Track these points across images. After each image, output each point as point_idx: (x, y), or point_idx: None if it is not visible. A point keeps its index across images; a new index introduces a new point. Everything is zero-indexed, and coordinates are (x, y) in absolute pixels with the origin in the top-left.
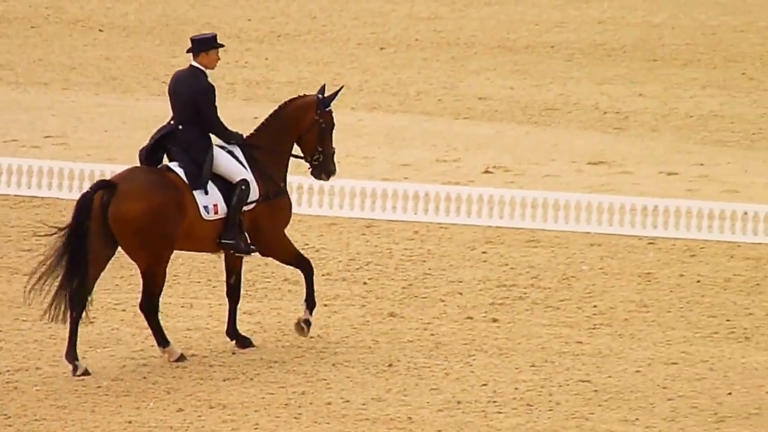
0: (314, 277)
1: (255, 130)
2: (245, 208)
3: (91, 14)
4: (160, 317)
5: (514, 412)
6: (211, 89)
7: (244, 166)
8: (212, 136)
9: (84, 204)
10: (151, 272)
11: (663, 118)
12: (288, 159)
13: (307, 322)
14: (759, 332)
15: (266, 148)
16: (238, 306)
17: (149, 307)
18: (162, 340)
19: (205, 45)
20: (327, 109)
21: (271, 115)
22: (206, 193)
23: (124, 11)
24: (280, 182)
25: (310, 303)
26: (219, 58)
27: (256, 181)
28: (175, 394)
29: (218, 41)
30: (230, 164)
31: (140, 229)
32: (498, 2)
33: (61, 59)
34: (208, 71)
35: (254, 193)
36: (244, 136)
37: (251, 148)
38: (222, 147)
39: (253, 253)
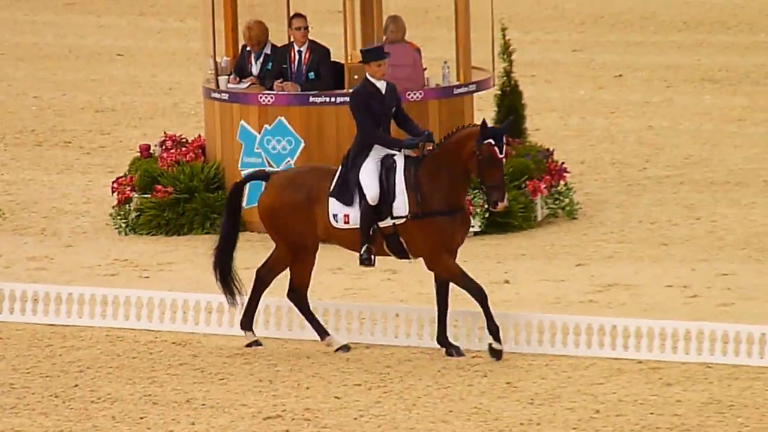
0: (488, 302)
1: (431, 148)
2: (386, 223)
3: None
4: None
5: None
6: (354, 94)
7: (391, 180)
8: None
9: (235, 192)
10: (292, 264)
11: None
12: (458, 183)
13: (493, 350)
14: None
15: (433, 167)
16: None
17: (295, 298)
18: (321, 332)
19: (366, 56)
20: (486, 142)
21: (444, 138)
22: (348, 202)
23: None
24: (441, 204)
25: (491, 328)
26: (378, 70)
27: (409, 197)
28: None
29: (382, 56)
30: (365, 177)
31: (265, 223)
32: None
33: None
34: (373, 79)
35: (401, 209)
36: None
37: (419, 164)
38: (386, 157)
39: (369, 266)
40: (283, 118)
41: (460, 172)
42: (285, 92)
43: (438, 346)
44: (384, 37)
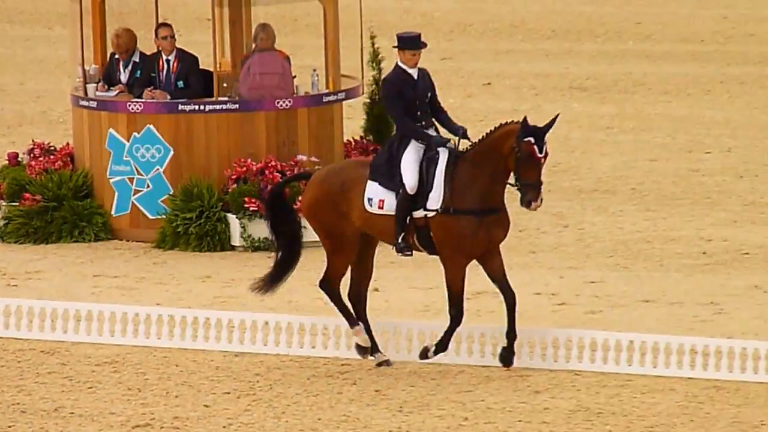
0: (455, 330)
1: (471, 145)
2: (419, 214)
3: None
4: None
5: None
6: (385, 81)
7: (431, 172)
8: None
9: (272, 195)
10: (327, 255)
11: None
12: (497, 182)
13: (426, 352)
14: None
15: (472, 164)
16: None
17: (325, 287)
18: (351, 322)
19: (401, 43)
20: (526, 140)
21: (485, 135)
22: (387, 186)
23: None
24: (473, 202)
25: (442, 345)
26: (412, 59)
27: (444, 192)
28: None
29: (417, 45)
30: (406, 166)
31: (309, 220)
32: None
33: None
34: (404, 66)
35: (434, 202)
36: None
37: (460, 159)
38: (431, 147)
39: (408, 255)
40: (151, 126)
41: (500, 170)
42: (154, 100)
43: (309, 354)
44: (253, 45)
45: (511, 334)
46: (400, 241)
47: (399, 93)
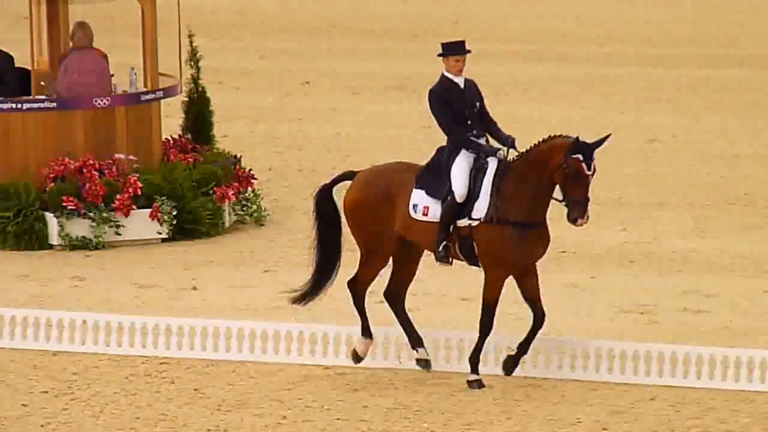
0: (485, 343)
1: (518, 155)
2: (463, 223)
3: None
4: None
5: None
6: (431, 93)
7: (479, 180)
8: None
9: (321, 195)
10: (362, 257)
11: None
12: (541, 196)
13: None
14: None
15: (518, 175)
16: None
17: (352, 288)
18: (365, 331)
19: (445, 50)
20: (574, 156)
21: (533, 145)
22: (434, 194)
23: None
24: (517, 214)
25: (472, 360)
26: (456, 65)
27: (490, 201)
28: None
29: (460, 50)
30: (456, 174)
31: (348, 219)
32: None
33: None
34: (450, 75)
35: (479, 211)
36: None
37: (508, 168)
38: (481, 157)
39: (446, 265)
40: None
41: (545, 184)
42: None
43: (127, 353)
44: (71, 44)
45: (524, 347)
46: (441, 249)
47: (446, 103)
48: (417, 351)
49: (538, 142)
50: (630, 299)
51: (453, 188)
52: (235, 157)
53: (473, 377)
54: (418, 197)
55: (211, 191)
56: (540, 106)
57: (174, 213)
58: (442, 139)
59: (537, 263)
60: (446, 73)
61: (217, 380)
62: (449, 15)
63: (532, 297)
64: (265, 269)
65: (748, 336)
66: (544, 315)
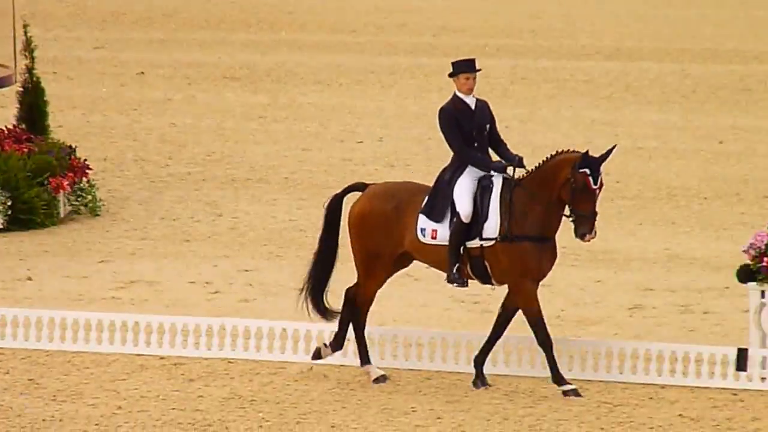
0: (552, 351)
1: (527, 172)
2: (474, 244)
3: None
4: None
5: None
6: (441, 112)
7: (486, 200)
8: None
9: (332, 204)
10: (359, 278)
11: None
12: (552, 211)
13: (566, 392)
14: None
15: (527, 192)
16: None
17: (353, 313)
18: (363, 359)
19: (454, 68)
20: (581, 170)
21: (542, 161)
22: (438, 218)
23: None
24: (532, 229)
25: (555, 377)
26: (466, 83)
27: (501, 220)
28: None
29: (470, 68)
30: (460, 195)
31: (352, 230)
32: None
33: None
34: (461, 94)
35: (491, 231)
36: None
37: (517, 186)
38: (484, 177)
39: (461, 287)
40: None
41: (554, 200)
42: None
43: None
44: None
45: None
46: (454, 271)
47: (456, 123)
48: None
49: (547, 157)
50: (464, 290)
51: (458, 209)
52: (70, 147)
53: (567, 387)
54: (424, 221)
55: (45, 182)
56: (374, 96)
57: (9, 203)
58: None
59: None
60: (458, 93)
61: (53, 370)
62: (285, 5)
63: (509, 306)
64: (100, 260)
65: (580, 325)
66: (509, 320)
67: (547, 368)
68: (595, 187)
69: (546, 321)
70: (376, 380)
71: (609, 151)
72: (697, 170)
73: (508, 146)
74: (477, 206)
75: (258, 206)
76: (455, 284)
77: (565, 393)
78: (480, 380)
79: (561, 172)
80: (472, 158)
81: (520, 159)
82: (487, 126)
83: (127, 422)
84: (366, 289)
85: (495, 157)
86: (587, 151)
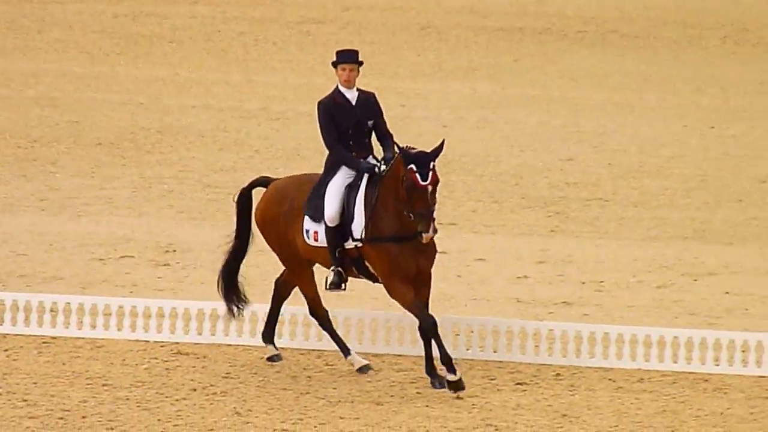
0: (438, 334)
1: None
2: (349, 245)
3: None
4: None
5: None
6: (318, 104)
7: (352, 200)
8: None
9: (240, 198)
10: (293, 280)
11: None
12: (401, 208)
13: (451, 383)
14: None
15: (384, 191)
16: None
17: (313, 315)
18: (343, 349)
19: (335, 59)
20: (409, 167)
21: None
22: (317, 219)
23: None
24: (390, 229)
25: (444, 359)
26: (343, 75)
27: (365, 221)
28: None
29: (347, 58)
30: (329, 196)
31: (258, 226)
32: None
33: None
34: (342, 87)
35: (357, 232)
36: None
37: (377, 186)
38: (357, 176)
39: (338, 291)
40: None
41: (401, 199)
42: None
43: None
44: None
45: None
46: (332, 275)
47: (331, 119)
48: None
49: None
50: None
51: (324, 211)
52: None
53: (452, 377)
54: (309, 223)
55: None
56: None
57: None
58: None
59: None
60: (339, 86)
61: None
62: None
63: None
64: None
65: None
66: (431, 317)
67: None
68: (423, 183)
69: (424, 309)
70: (361, 370)
71: (440, 147)
72: None
73: (396, 139)
74: (344, 206)
75: None
76: (329, 289)
77: (450, 383)
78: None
79: (399, 170)
80: (342, 157)
81: (390, 157)
82: (370, 121)
83: None
84: (307, 293)
85: (381, 154)
86: (406, 147)
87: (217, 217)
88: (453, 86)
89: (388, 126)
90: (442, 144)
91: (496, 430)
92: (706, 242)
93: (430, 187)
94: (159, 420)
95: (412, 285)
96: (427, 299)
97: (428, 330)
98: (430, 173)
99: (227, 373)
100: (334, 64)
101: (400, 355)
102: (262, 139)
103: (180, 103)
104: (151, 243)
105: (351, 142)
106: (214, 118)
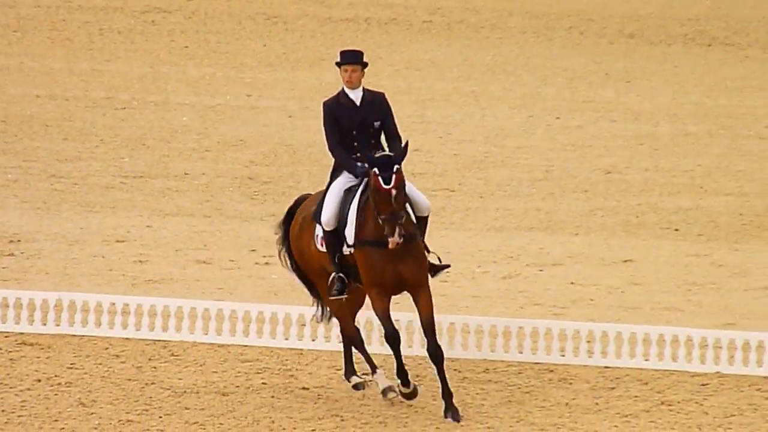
0: (399, 348)
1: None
2: (345, 251)
3: None
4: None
5: None
6: (323, 105)
7: (348, 206)
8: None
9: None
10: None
11: None
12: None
13: (404, 394)
14: None
15: (369, 198)
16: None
17: (342, 333)
18: (348, 369)
19: (339, 59)
20: (373, 171)
21: None
22: (319, 221)
23: None
24: (371, 234)
25: (400, 373)
26: (345, 75)
27: (356, 227)
28: None
29: (349, 59)
30: (327, 201)
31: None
32: None
33: None
34: (346, 88)
35: (349, 238)
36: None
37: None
38: (360, 181)
39: (338, 297)
40: None
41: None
42: None
43: None
44: None
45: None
46: (333, 282)
47: (334, 121)
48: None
49: None
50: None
51: (321, 216)
52: None
53: (405, 389)
54: (318, 228)
55: None
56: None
57: None
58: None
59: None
60: (344, 87)
61: None
62: None
63: (421, 318)
64: None
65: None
66: (435, 344)
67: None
68: (387, 187)
69: (390, 320)
70: (384, 392)
71: (404, 150)
72: None
73: (405, 141)
74: (341, 211)
75: None
76: (331, 296)
77: (404, 394)
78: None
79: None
80: (341, 160)
81: (387, 159)
82: (376, 122)
83: None
84: (336, 314)
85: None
86: (370, 155)
87: (62, 207)
88: (300, 76)
89: (399, 127)
90: (406, 146)
91: (342, 420)
92: (551, 233)
93: (393, 191)
94: (3, 411)
95: (389, 293)
96: (426, 310)
97: (391, 342)
98: (393, 176)
99: (72, 364)
100: (338, 64)
101: (245, 346)
102: (107, 129)
103: (24, 93)
104: None
105: (356, 143)
106: (59, 107)
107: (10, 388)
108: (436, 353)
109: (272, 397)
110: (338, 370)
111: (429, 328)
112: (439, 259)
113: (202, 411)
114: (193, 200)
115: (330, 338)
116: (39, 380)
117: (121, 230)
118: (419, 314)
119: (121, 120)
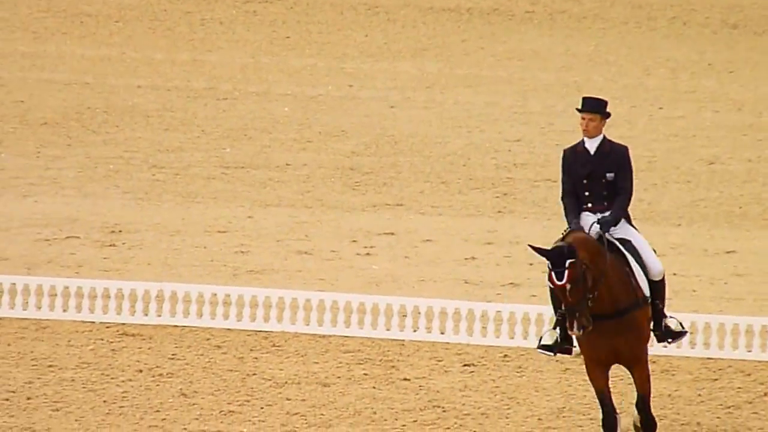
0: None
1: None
2: None
3: None
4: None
5: None
6: (562, 154)
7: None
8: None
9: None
10: None
11: None
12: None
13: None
14: None
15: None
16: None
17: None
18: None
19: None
20: (547, 264)
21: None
22: None
23: None
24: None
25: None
26: (581, 124)
27: None
28: None
29: (587, 107)
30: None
31: None
32: None
33: None
34: (585, 138)
35: None
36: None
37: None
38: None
39: (547, 354)
40: None
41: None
42: None
43: None
44: None
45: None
46: (545, 335)
47: (567, 169)
48: None
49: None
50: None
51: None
52: None
53: None
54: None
55: None
56: None
57: None
58: None
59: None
60: (584, 137)
61: None
62: None
63: (636, 387)
64: None
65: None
66: (648, 412)
67: None
68: (560, 283)
69: (605, 402)
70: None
71: (571, 245)
72: None
73: (623, 202)
74: None
75: None
76: (539, 346)
77: None
78: None
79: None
80: (564, 212)
81: (599, 221)
82: (609, 174)
83: None
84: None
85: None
86: (536, 247)
87: (163, 198)
88: (401, 66)
89: (630, 181)
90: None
91: (444, 411)
92: (654, 223)
93: (568, 285)
94: (105, 401)
95: (603, 366)
96: (642, 385)
97: (604, 427)
98: (566, 272)
99: (173, 354)
100: (579, 110)
101: (346, 337)
102: (208, 120)
103: (126, 83)
104: (97, 223)
105: (587, 193)
106: (161, 98)
107: (112, 378)
108: (648, 424)
109: (373, 387)
110: (439, 361)
111: (643, 406)
112: (681, 324)
113: (303, 402)
114: (294, 191)
115: (431, 329)
116: (140, 371)
117: (222, 221)
118: (636, 387)
119: (222, 111)
